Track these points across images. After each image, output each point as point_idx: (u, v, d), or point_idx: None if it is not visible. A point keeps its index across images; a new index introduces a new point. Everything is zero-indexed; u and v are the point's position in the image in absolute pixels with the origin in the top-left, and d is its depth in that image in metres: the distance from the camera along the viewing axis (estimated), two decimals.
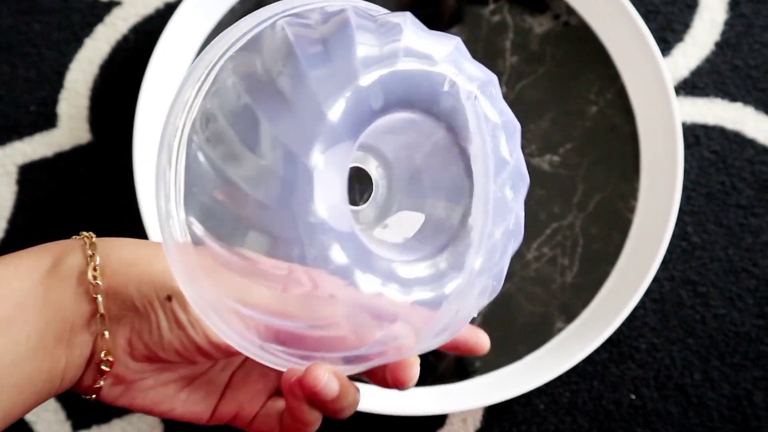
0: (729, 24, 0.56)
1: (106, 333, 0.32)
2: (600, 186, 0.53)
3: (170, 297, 0.31)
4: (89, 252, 0.32)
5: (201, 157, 0.27)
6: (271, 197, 0.26)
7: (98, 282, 0.31)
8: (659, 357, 0.52)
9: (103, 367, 0.32)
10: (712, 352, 0.52)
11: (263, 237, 0.27)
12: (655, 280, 0.52)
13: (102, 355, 0.32)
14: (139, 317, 0.32)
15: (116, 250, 0.32)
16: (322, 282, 0.27)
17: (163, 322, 0.31)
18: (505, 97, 0.53)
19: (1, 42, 0.55)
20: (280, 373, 0.31)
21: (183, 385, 0.34)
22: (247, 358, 0.33)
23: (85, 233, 0.33)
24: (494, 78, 0.32)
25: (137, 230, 0.49)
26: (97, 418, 0.50)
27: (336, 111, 0.27)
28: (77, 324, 0.31)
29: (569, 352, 0.49)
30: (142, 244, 0.33)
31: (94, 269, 0.31)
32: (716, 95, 0.55)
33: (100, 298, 0.31)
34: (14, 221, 0.53)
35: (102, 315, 0.31)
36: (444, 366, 0.50)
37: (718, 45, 0.56)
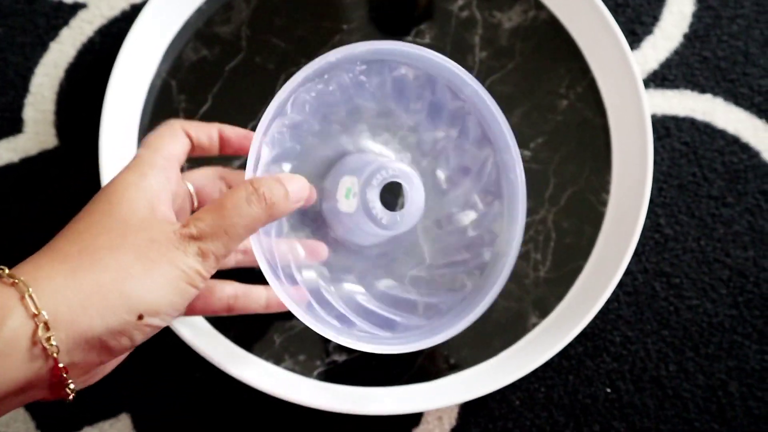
0: (697, 16, 0.56)
1: (71, 385, 0.31)
2: (572, 180, 0.52)
3: (141, 316, 0.31)
4: (32, 309, 0.29)
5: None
6: None
7: (54, 343, 0.29)
8: (634, 350, 0.52)
9: (69, 390, 0.31)
10: (687, 344, 0.52)
11: None
12: (629, 272, 0.52)
13: (69, 390, 0.31)
14: (108, 350, 0.31)
15: (58, 293, 0.30)
16: None
17: (137, 336, 0.32)
18: None
19: None
20: None
21: None
22: None
23: (5, 270, 0.31)
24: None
25: None
26: (68, 426, 0.50)
27: None
28: (36, 383, 0.30)
29: (544, 347, 0.49)
30: (73, 272, 0.31)
31: (46, 328, 0.29)
32: (686, 87, 0.55)
33: (59, 356, 0.30)
34: None
35: (65, 368, 0.30)
36: (418, 364, 0.50)
37: (687, 37, 0.56)
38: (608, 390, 0.51)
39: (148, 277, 0.32)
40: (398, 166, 0.41)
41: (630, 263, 0.52)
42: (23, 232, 0.52)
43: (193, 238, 0.33)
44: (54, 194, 0.53)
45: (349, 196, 0.40)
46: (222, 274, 0.45)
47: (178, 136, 0.40)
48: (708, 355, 0.52)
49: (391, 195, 0.47)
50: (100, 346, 0.31)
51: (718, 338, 0.52)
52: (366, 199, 0.40)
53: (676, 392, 0.51)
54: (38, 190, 0.53)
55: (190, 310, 0.43)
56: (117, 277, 0.31)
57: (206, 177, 0.44)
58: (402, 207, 0.42)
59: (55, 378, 0.30)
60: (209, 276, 0.34)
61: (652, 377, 0.51)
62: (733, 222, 0.53)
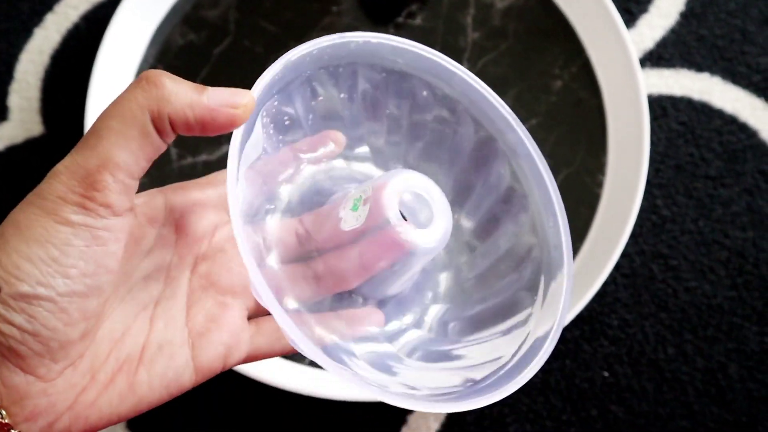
0: None
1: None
2: (567, 161, 0.52)
3: None
4: None
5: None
6: None
7: None
8: (632, 333, 0.51)
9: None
10: (685, 326, 0.51)
11: None
12: (626, 254, 0.52)
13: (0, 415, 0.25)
14: None
15: None
16: None
17: (18, 319, 0.24)
18: None
19: None
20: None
21: (136, 363, 0.29)
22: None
23: None
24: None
25: None
26: None
27: None
28: None
29: None
30: None
31: None
32: (682, 66, 0.55)
33: None
34: None
35: None
36: None
37: (683, 15, 0.55)
38: (606, 374, 0.51)
39: None
40: (416, 174, 0.32)
41: (627, 245, 0.51)
42: None
43: (69, 154, 0.26)
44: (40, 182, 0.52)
45: (358, 207, 0.31)
46: None
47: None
48: (707, 337, 0.51)
49: None
50: None
51: (716, 320, 0.51)
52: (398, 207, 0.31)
53: (675, 375, 0.51)
54: (24, 178, 0.52)
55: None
56: None
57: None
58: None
59: None
60: (95, 203, 0.25)
61: (650, 360, 0.51)
62: (732, 202, 0.53)
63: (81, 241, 0.25)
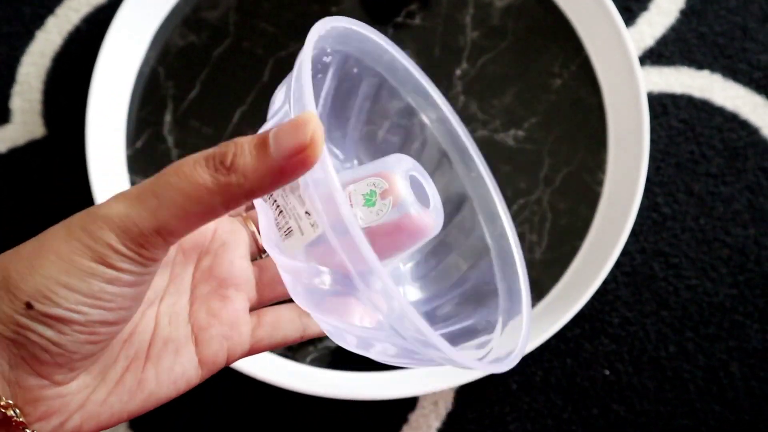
0: None
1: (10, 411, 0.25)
2: (567, 160, 0.52)
3: (29, 304, 0.25)
4: None
5: None
6: None
7: None
8: (633, 331, 0.51)
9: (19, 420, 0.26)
10: (686, 324, 0.51)
11: None
12: (626, 252, 0.52)
13: (14, 414, 0.25)
14: (22, 347, 0.25)
15: None
16: None
17: (48, 332, 0.25)
18: (467, 73, 0.52)
19: None
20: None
21: (142, 361, 0.30)
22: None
23: None
24: None
25: None
26: None
27: None
28: None
29: (540, 329, 0.48)
30: None
31: None
32: (683, 64, 0.54)
33: None
34: None
35: None
36: None
37: (684, 13, 0.55)
38: (607, 372, 0.51)
39: (35, 254, 0.25)
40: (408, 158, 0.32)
41: (628, 243, 0.51)
42: (12, 221, 0.52)
43: (117, 200, 0.25)
44: (42, 184, 0.52)
45: (373, 201, 0.30)
46: None
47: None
48: (708, 335, 0.51)
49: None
50: (13, 345, 0.25)
51: (718, 318, 0.51)
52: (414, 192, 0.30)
53: (677, 373, 0.51)
54: (26, 179, 0.52)
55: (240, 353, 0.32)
56: (5, 259, 0.25)
57: None
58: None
59: None
60: (141, 257, 0.25)
61: (651, 358, 0.51)
62: (733, 200, 0.52)
63: (123, 283, 0.25)
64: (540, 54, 0.53)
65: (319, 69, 0.32)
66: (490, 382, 0.50)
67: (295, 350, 0.49)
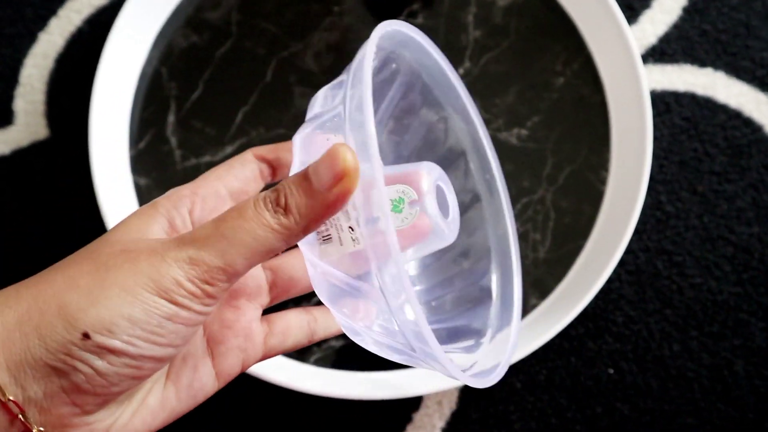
0: None
1: (37, 429, 0.26)
2: (570, 158, 0.52)
3: (87, 334, 0.25)
4: None
5: None
6: None
7: None
8: (636, 329, 0.51)
9: None
10: (690, 323, 0.51)
11: None
12: (630, 251, 0.51)
13: None
14: (64, 376, 0.25)
15: None
16: None
17: (98, 363, 0.25)
18: (469, 72, 0.52)
19: None
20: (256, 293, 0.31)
21: (163, 381, 0.30)
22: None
23: None
24: None
25: (97, 225, 0.48)
26: None
27: None
28: None
29: (544, 328, 0.48)
30: (17, 290, 0.26)
31: None
32: (686, 61, 0.54)
33: (3, 387, 0.25)
34: None
35: (17, 404, 0.25)
36: None
37: (686, 10, 0.55)
38: (611, 371, 0.50)
39: (97, 286, 0.25)
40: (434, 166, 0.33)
41: (631, 242, 0.51)
42: (16, 223, 0.52)
43: (184, 243, 0.26)
44: (46, 185, 0.52)
45: (401, 208, 0.31)
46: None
47: (245, 163, 0.33)
48: (712, 333, 0.51)
49: None
50: (55, 374, 0.25)
51: (722, 316, 0.51)
52: (436, 203, 0.31)
53: (681, 372, 0.50)
54: (30, 181, 0.52)
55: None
56: (60, 288, 0.25)
57: (242, 176, 0.33)
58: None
59: (11, 417, 0.25)
60: (203, 294, 0.26)
61: (655, 357, 0.51)
62: (737, 198, 0.52)
63: (181, 320, 0.26)
64: (542, 52, 0.53)
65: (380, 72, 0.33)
66: None
67: (299, 350, 0.49)
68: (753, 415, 0.50)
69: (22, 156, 0.52)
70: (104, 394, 0.26)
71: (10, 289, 0.26)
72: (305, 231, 0.27)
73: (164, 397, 0.30)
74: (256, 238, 0.26)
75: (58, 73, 0.54)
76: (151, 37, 0.52)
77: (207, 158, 0.51)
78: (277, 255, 0.28)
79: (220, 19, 0.53)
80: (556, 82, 0.52)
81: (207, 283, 0.26)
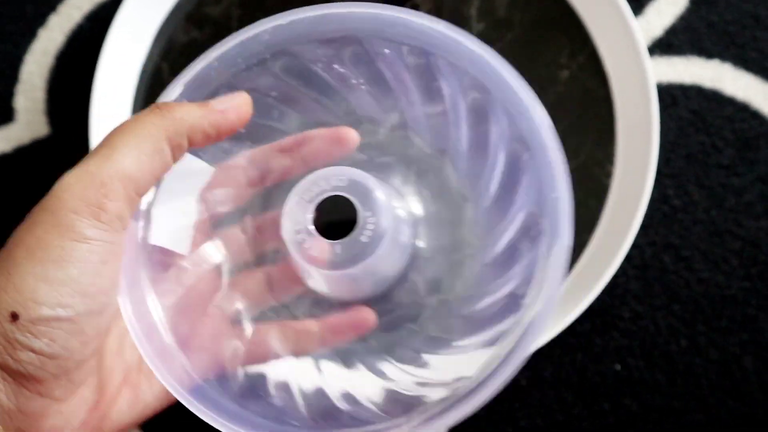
0: None
1: None
2: (575, 152, 0.51)
3: (14, 314, 0.23)
4: None
5: None
6: None
7: None
8: (644, 325, 0.50)
9: None
10: (698, 318, 0.51)
11: None
12: (636, 245, 0.51)
13: None
14: (12, 372, 0.24)
15: None
16: None
17: (37, 344, 0.24)
18: None
19: None
20: None
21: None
22: None
23: None
24: None
25: None
26: None
27: None
28: None
29: (550, 324, 0.47)
30: None
31: None
32: (692, 53, 0.54)
33: None
34: None
35: None
36: None
37: (693, 1, 0.54)
38: (618, 367, 0.50)
39: (6, 256, 0.25)
40: (347, 172, 0.31)
41: (638, 236, 0.51)
42: (19, 222, 0.52)
43: (67, 173, 0.26)
44: (48, 182, 0.52)
45: None
46: None
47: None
48: (721, 328, 0.50)
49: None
50: (2, 376, 0.24)
51: (730, 311, 0.50)
52: (298, 223, 0.30)
53: (689, 368, 0.50)
54: (33, 178, 0.52)
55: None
56: None
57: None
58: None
59: None
60: (102, 212, 0.25)
61: (663, 353, 0.50)
62: (745, 191, 0.52)
63: (97, 257, 0.25)
64: (547, 45, 0.52)
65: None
66: None
67: None
68: (762, 411, 0.49)
69: (23, 153, 0.52)
70: (62, 374, 0.25)
71: None
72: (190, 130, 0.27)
73: (139, 390, 0.29)
74: (139, 135, 0.27)
75: (58, 70, 0.53)
76: (152, 32, 0.52)
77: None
78: (169, 165, 0.28)
79: (221, 14, 0.53)
80: (560, 75, 0.52)
81: (106, 197, 0.25)
